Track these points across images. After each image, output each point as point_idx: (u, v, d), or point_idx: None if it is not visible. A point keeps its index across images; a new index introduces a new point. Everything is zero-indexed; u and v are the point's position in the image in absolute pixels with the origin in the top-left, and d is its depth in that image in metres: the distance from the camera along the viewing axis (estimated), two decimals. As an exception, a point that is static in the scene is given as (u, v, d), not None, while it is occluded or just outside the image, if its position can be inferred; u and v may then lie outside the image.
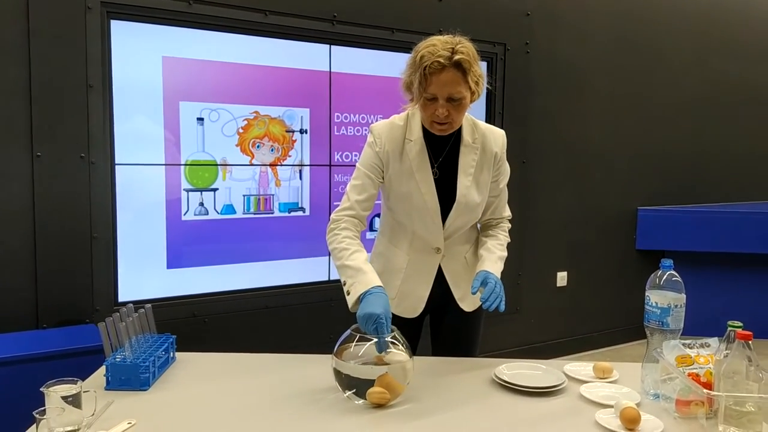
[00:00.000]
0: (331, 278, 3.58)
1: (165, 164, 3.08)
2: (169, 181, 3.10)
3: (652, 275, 1.72)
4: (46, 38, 2.71)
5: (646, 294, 1.71)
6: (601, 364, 1.85)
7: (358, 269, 1.80)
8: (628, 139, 4.69)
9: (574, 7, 4.32)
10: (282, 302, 3.43)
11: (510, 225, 2.17)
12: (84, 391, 1.46)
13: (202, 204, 3.19)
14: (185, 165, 3.14)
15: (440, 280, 2.05)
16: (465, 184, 1.96)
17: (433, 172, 1.95)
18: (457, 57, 1.75)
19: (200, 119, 3.15)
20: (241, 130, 3.26)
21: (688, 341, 1.62)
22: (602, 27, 4.46)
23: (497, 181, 2.05)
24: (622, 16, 4.53)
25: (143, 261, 3.06)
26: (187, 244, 3.17)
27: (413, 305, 2.06)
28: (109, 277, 2.96)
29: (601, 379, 1.82)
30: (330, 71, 3.49)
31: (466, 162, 1.97)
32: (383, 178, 1.98)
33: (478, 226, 2.16)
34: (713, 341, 1.61)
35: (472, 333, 2.16)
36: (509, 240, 2.13)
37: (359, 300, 1.73)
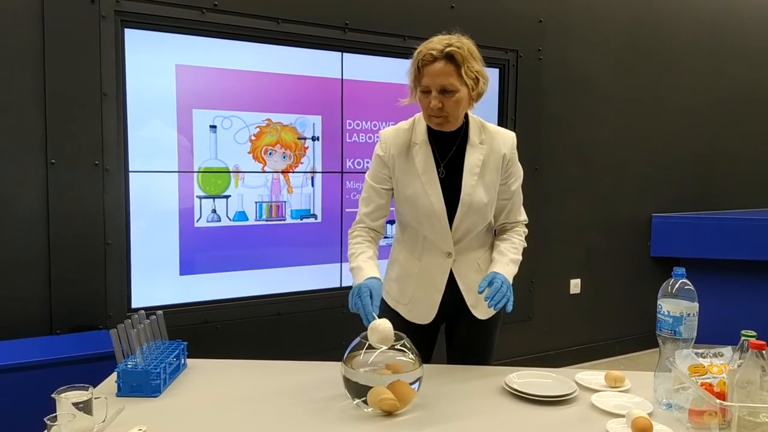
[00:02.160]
0: (343, 285, 3.58)
1: (178, 171, 3.10)
2: (182, 188, 3.11)
3: (665, 283, 1.71)
4: (60, 46, 2.74)
5: (659, 302, 1.70)
6: (612, 372, 1.84)
7: (359, 268, 1.90)
8: (641, 146, 4.66)
9: (586, 13, 4.30)
10: (294, 309, 3.43)
11: (526, 230, 2.15)
12: (95, 398, 1.47)
13: (214, 211, 3.20)
14: (198, 172, 3.15)
15: (453, 286, 2.03)
16: (470, 183, 1.95)
17: (439, 172, 1.95)
18: (449, 49, 1.80)
19: (213, 127, 3.17)
20: (253, 138, 3.28)
21: (701, 350, 1.61)
22: (614, 33, 4.44)
23: (507, 184, 2.04)
24: (634, 22, 4.51)
25: (156, 267, 3.07)
26: (199, 250, 3.18)
27: (425, 311, 2.05)
28: (123, 284, 2.97)
29: (612, 388, 1.80)
30: (342, 78, 3.49)
31: (472, 161, 1.96)
32: (392, 186, 2.00)
33: (494, 231, 2.15)
34: (726, 351, 1.60)
35: (486, 341, 2.15)
36: (525, 244, 2.11)
37: None
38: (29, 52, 2.70)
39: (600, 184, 4.51)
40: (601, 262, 4.58)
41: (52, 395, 1.44)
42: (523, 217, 2.15)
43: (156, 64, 3.00)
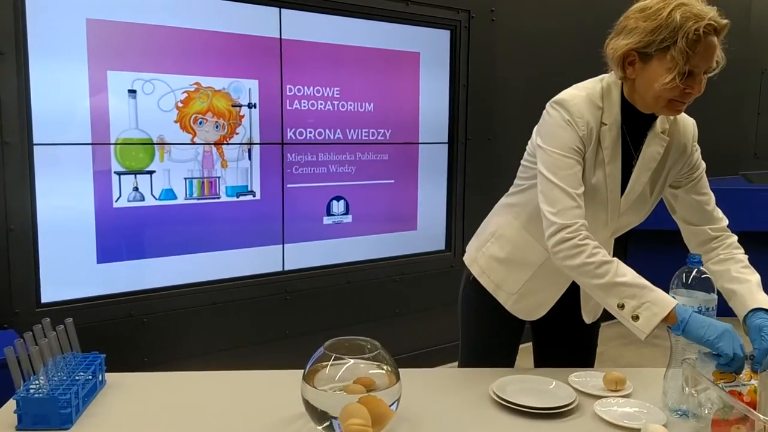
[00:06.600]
0: (286, 269, 3.33)
1: (92, 143, 2.79)
2: (97, 163, 2.81)
3: (678, 272, 1.49)
4: (-59, -6, 2.32)
5: (670, 294, 1.48)
6: (612, 374, 1.61)
7: (643, 286, 1.45)
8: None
9: (540, -28, 4.09)
10: (232, 297, 3.17)
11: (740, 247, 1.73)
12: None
13: (136, 189, 2.93)
14: (116, 144, 2.85)
15: (571, 285, 1.77)
16: (641, 178, 1.65)
17: (633, 163, 1.64)
18: (725, 21, 1.46)
19: (132, 91, 2.87)
20: (180, 104, 2.99)
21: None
22: (569, -6, 4.25)
23: (692, 175, 1.71)
24: (588, -17, 4.33)
25: (69, 255, 2.78)
26: (120, 235, 2.91)
27: (534, 307, 1.80)
28: (30, 275, 2.66)
29: (613, 392, 1.57)
30: (280, 38, 3.21)
31: (650, 153, 1.64)
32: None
33: (704, 249, 1.74)
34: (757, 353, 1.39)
35: (591, 344, 1.96)
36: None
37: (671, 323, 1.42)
38: None
39: (553, 154, 4.34)
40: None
41: None
42: (723, 218, 1.76)
43: (63, 18, 2.66)
